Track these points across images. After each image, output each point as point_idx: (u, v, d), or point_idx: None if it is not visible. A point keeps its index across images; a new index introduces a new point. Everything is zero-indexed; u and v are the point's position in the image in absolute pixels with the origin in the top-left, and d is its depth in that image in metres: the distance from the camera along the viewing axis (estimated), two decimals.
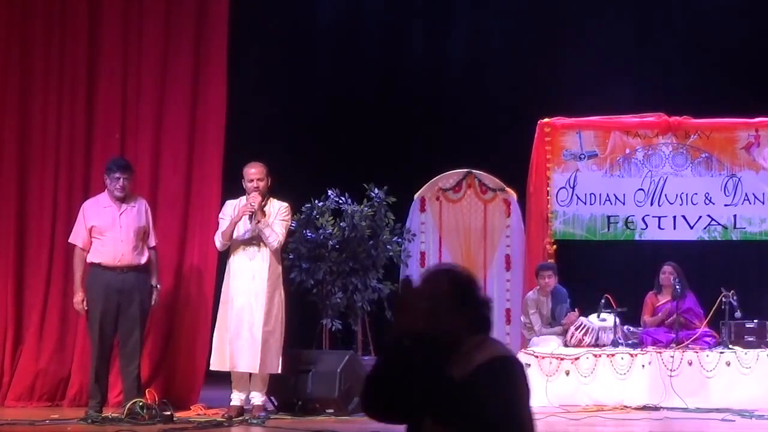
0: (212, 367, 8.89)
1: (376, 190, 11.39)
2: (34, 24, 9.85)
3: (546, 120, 11.94)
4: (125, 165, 8.83)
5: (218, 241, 8.92)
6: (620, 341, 10.30)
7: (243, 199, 8.92)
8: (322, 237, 11.13)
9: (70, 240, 8.90)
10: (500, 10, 13.44)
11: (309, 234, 11.14)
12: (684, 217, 11.93)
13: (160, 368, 9.51)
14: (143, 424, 8.21)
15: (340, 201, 11.33)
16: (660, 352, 10.05)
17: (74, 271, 8.82)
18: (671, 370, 9.90)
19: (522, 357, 10.28)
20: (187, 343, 9.54)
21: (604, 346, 10.31)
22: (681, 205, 11.93)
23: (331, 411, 8.97)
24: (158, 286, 8.88)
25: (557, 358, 10.14)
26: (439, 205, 12.83)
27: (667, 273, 10.78)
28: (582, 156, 11.98)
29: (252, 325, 8.74)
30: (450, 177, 12.86)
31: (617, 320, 10.34)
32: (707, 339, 10.40)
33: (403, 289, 3.44)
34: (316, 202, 11.30)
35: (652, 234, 11.97)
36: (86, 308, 8.71)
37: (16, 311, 9.63)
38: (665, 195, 11.93)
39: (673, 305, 10.56)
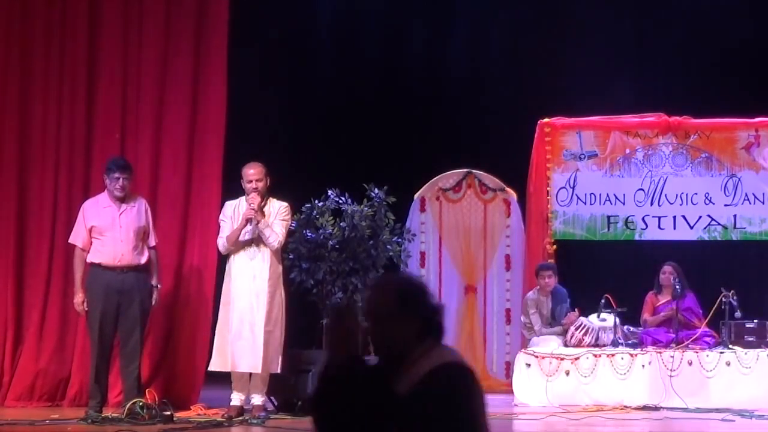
0: (214, 368, 8.88)
1: (376, 190, 11.38)
2: (34, 24, 9.85)
3: (546, 120, 11.94)
4: (125, 165, 8.82)
5: (222, 246, 8.91)
6: (620, 341, 10.30)
7: (242, 199, 8.91)
8: (322, 237, 11.13)
9: (70, 240, 8.90)
10: (500, 11, 13.44)
11: (309, 234, 11.13)
12: (684, 217, 11.94)
13: (160, 368, 9.51)
14: (143, 424, 8.21)
15: (340, 201, 11.32)
16: (660, 352, 10.05)
17: (74, 272, 8.82)
18: (671, 370, 9.91)
19: (522, 357, 10.29)
20: (187, 343, 9.54)
21: (604, 346, 10.32)
22: (681, 205, 11.94)
23: None
24: (158, 286, 8.88)
25: (557, 358, 10.14)
26: (439, 205, 12.83)
27: (667, 273, 10.78)
28: (582, 156, 11.99)
29: (253, 326, 8.74)
30: (450, 177, 12.86)
31: (617, 320, 10.35)
32: (707, 339, 10.40)
33: (337, 317, 3.42)
34: (316, 202, 11.29)
35: (652, 234, 11.97)
36: (86, 309, 8.70)
37: (16, 311, 9.63)
38: (665, 195, 11.94)
39: (673, 305, 10.55)
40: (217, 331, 8.89)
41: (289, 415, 8.88)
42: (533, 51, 12.98)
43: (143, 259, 8.76)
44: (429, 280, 12.76)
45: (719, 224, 11.90)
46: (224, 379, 9.06)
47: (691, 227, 11.94)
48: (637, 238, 12.04)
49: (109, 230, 8.69)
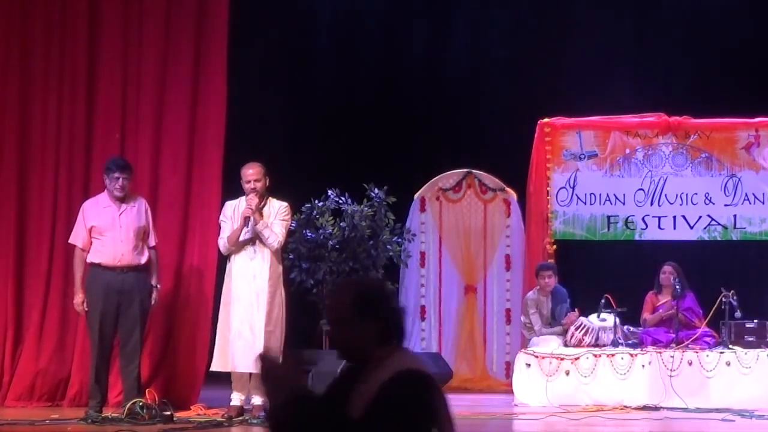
0: (215, 369, 8.88)
1: (376, 190, 11.39)
2: (34, 24, 9.85)
3: (546, 120, 11.94)
4: (124, 165, 8.82)
5: (223, 246, 8.91)
6: (620, 341, 10.30)
7: (242, 199, 8.91)
8: (322, 237, 11.13)
9: (70, 240, 8.89)
10: (500, 11, 13.44)
11: (309, 234, 11.14)
12: (684, 217, 11.94)
13: (160, 368, 9.51)
14: (143, 424, 8.20)
15: (340, 201, 11.33)
16: (660, 352, 10.05)
17: (74, 272, 8.81)
18: (671, 370, 9.90)
19: (522, 357, 10.29)
20: (187, 343, 9.53)
21: (604, 346, 10.31)
22: (681, 205, 11.94)
23: None
24: (158, 285, 8.87)
25: (557, 358, 10.14)
26: (439, 205, 12.83)
27: (667, 273, 10.78)
28: (582, 156, 11.99)
29: (253, 326, 8.73)
30: (450, 177, 12.87)
31: (617, 320, 10.34)
32: (707, 339, 10.40)
33: (264, 366, 3.41)
34: (316, 202, 11.30)
35: (652, 234, 11.98)
36: (86, 309, 8.70)
37: (16, 311, 9.62)
38: (665, 195, 11.94)
39: (673, 305, 10.55)
40: (218, 332, 8.88)
41: None
42: (533, 51, 12.98)
43: (143, 259, 8.76)
44: (429, 280, 12.77)
45: (719, 224, 11.90)
46: (224, 379, 9.05)
47: (691, 227, 11.94)
48: (637, 238, 12.04)
49: (109, 230, 8.69)
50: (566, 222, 12.00)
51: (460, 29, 13.61)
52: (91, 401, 8.64)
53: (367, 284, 3.56)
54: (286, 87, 12.96)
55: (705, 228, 11.92)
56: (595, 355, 10.14)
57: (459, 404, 10.56)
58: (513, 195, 12.67)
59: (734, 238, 11.95)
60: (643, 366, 10.00)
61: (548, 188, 11.95)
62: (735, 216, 11.89)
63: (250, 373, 8.80)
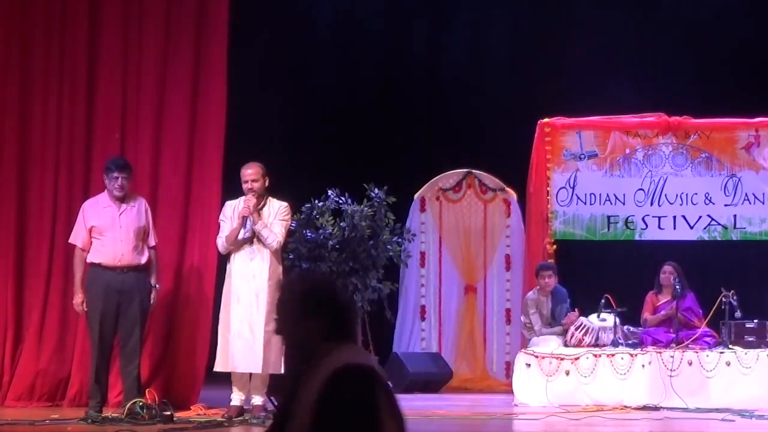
0: (217, 369, 8.87)
1: (376, 190, 11.40)
2: (34, 24, 9.84)
3: (546, 120, 11.94)
4: (123, 164, 8.81)
5: (221, 245, 8.90)
6: (620, 341, 10.30)
7: (242, 199, 8.91)
8: (322, 237, 11.14)
9: (70, 240, 8.89)
10: (500, 11, 13.45)
11: (309, 234, 11.15)
12: (684, 217, 11.94)
13: (160, 368, 9.50)
14: (143, 424, 8.20)
15: (340, 201, 11.34)
16: (660, 352, 10.05)
17: (74, 272, 8.81)
18: (671, 370, 9.90)
19: (522, 357, 10.29)
20: (187, 343, 9.53)
21: (604, 346, 10.31)
22: (681, 205, 11.94)
23: None
24: (157, 285, 8.87)
25: (557, 358, 10.14)
26: (439, 205, 12.84)
27: (668, 273, 10.78)
28: (582, 156, 11.99)
29: (253, 326, 8.73)
30: (450, 177, 12.87)
31: (617, 320, 10.34)
32: (707, 339, 10.40)
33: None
34: (316, 202, 11.31)
35: (652, 234, 11.98)
36: (85, 309, 8.70)
37: (16, 311, 9.62)
38: (665, 195, 11.94)
39: (673, 305, 10.55)
40: (219, 332, 8.88)
41: None
42: (533, 51, 12.99)
43: (143, 259, 8.76)
44: (429, 280, 12.78)
45: (719, 224, 11.90)
46: (224, 379, 9.05)
47: (691, 227, 11.94)
48: (637, 238, 12.04)
49: (109, 230, 8.68)
50: (566, 222, 12.00)
51: (460, 29, 13.62)
52: (91, 401, 8.63)
53: (314, 280, 3.55)
54: (286, 87, 12.97)
55: (705, 228, 11.92)
56: (595, 355, 10.14)
57: (459, 404, 10.58)
58: (513, 195, 12.68)
59: (734, 238, 11.95)
60: (643, 366, 10.00)
61: (548, 188, 11.95)
62: (735, 216, 11.89)
63: (250, 373, 8.80)
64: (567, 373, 10.12)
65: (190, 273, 9.62)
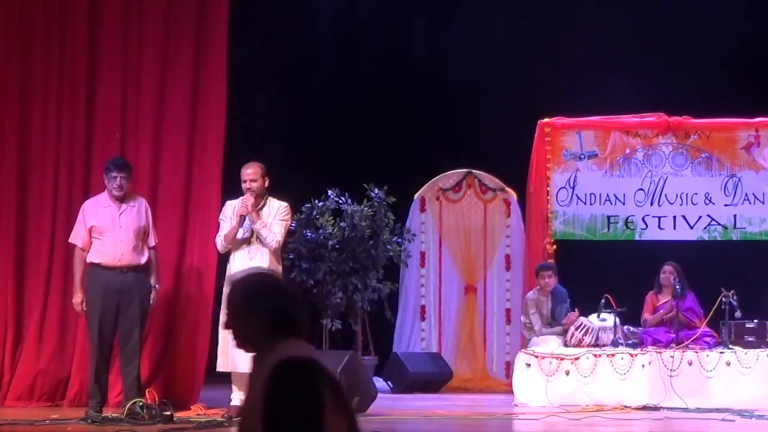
0: (219, 369, 8.87)
1: (376, 190, 11.40)
2: (34, 24, 9.85)
3: (546, 120, 11.94)
4: (123, 164, 8.82)
5: (220, 244, 8.91)
6: (620, 341, 10.30)
7: (242, 199, 8.91)
8: (322, 237, 11.14)
9: (69, 240, 8.89)
10: (500, 11, 13.45)
11: (309, 234, 11.15)
12: (684, 217, 11.94)
13: (160, 368, 9.50)
14: (143, 424, 8.20)
15: (340, 201, 11.34)
16: (660, 352, 10.05)
17: (74, 272, 8.81)
18: (671, 370, 9.90)
19: (522, 357, 10.29)
20: (187, 343, 9.53)
21: (604, 346, 10.31)
22: (681, 205, 11.94)
23: None
24: (157, 285, 8.86)
25: (557, 358, 10.14)
26: (439, 205, 12.84)
27: (668, 273, 10.78)
28: (582, 156, 11.99)
29: None
30: (450, 177, 12.87)
31: (617, 320, 10.34)
32: (707, 339, 10.40)
33: None
34: (316, 202, 11.31)
35: (652, 234, 11.98)
36: (85, 309, 8.70)
37: (16, 311, 9.62)
38: (665, 195, 11.94)
39: (673, 305, 10.55)
40: (220, 332, 8.88)
41: None
42: (533, 51, 12.99)
43: (143, 259, 8.75)
44: (429, 280, 12.78)
45: (719, 224, 11.90)
46: (224, 379, 9.05)
47: (691, 227, 11.94)
48: (637, 238, 12.04)
49: (108, 230, 8.68)
50: (566, 222, 12.00)
51: (460, 29, 13.62)
52: (91, 401, 8.63)
53: (259, 277, 3.58)
54: (286, 87, 12.97)
55: (705, 228, 11.92)
56: (595, 355, 10.14)
57: (459, 404, 10.58)
58: (513, 195, 12.67)
59: (734, 238, 11.95)
60: (643, 366, 10.00)
61: (548, 188, 11.95)
62: (735, 216, 11.89)
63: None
64: (567, 373, 10.12)
65: (190, 273, 9.62)
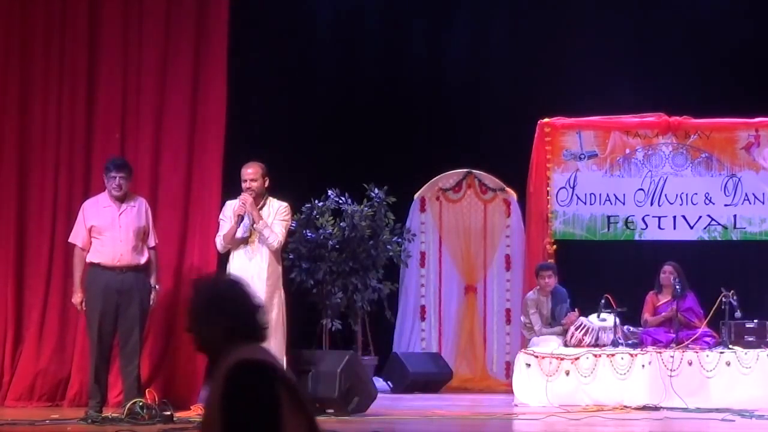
0: None
1: (376, 190, 11.40)
2: (34, 24, 9.84)
3: (546, 120, 11.94)
4: (122, 164, 8.82)
5: (219, 244, 8.91)
6: (620, 341, 10.30)
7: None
8: (322, 237, 11.14)
9: (69, 239, 8.89)
10: (500, 11, 13.45)
11: (309, 234, 11.15)
12: (684, 217, 11.94)
13: (160, 368, 9.50)
14: (143, 424, 8.20)
15: (340, 201, 11.34)
16: (660, 352, 10.05)
17: (74, 271, 8.81)
18: (671, 370, 9.90)
19: (522, 357, 10.29)
20: (187, 343, 9.46)
21: (604, 346, 10.31)
22: (681, 205, 11.94)
23: (331, 411, 8.97)
24: (157, 286, 8.86)
25: (557, 358, 10.14)
26: (439, 205, 12.84)
27: (668, 273, 10.78)
28: (582, 156, 11.99)
29: None
30: (450, 177, 12.87)
31: (617, 320, 10.34)
32: (707, 339, 10.39)
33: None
34: (316, 202, 11.31)
35: (652, 234, 11.98)
36: (84, 308, 8.70)
37: (16, 311, 9.62)
38: (665, 195, 11.94)
39: (673, 305, 10.55)
40: None
41: None
42: (533, 51, 12.99)
43: (143, 259, 8.75)
44: (429, 280, 12.78)
45: (719, 224, 11.90)
46: None
47: (691, 227, 11.94)
48: (637, 238, 12.04)
49: (108, 230, 8.68)
50: (566, 222, 12.00)
51: (460, 29, 13.62)
52: (91, 401, 8.63)
53: (217, 283, 3.62)
54: (287, 87, 12.97)
55: (705, 228, 11.92)
56: (595, 355, 10.14)
57: (459, 404, 10.59)
58: (513, 195, 12.67)
59: (734, 238, 11.95)
60: (643, 366, 10.00)
61: (548, 188, 11.95)
62: (735, 216, 11.89)
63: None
64: (567, 373, 10.12)
65: (190, 273, 9.61)
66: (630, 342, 10.45)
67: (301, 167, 11.93)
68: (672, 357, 9.95)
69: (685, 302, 10.65)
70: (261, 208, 8.83)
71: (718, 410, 9.41)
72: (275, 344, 8.75)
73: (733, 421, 8.92)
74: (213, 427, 3.32)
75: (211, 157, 9.70)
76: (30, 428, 8.02)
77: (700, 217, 11.92)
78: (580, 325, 10.42)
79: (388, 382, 11.90)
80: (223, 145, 9.70)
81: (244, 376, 3.30)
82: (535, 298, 10.89)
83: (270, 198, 8.90)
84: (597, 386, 10.05)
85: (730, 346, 10.15)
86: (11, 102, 9.79)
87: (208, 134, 9.73)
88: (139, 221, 8.76)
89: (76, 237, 8.78)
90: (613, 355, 10.12)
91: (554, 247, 11.83)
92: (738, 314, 10.22)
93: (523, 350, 10.49)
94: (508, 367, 12.09)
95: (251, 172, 8.79)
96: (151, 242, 8.86)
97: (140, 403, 8.41)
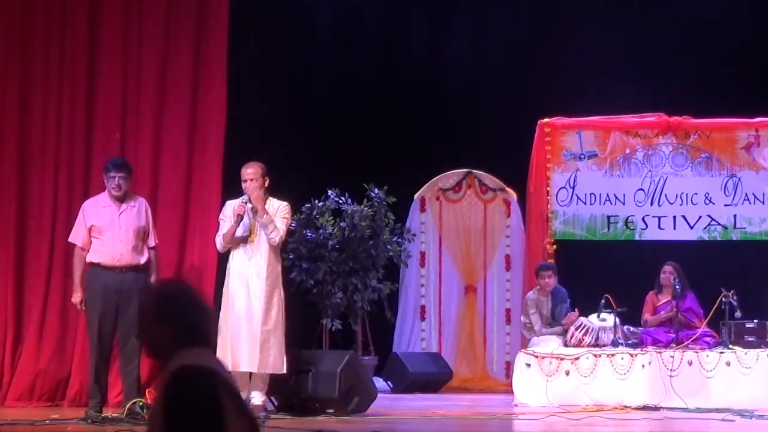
0: None
1: (376, 190, 11.40)
2: (34, 24, 9.85)
3: (546, 120, 11.94)
4: (121, 164, 8.82)
5: (219, 243, 8.91)
6: (620, 341, 10.30)
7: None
8: (322, 237, 11.14)
9: (69, 239, 8.89)
10: (500, 11, 13.44)
11: (309, 234, 11.14)
12: (684, 217, 11.94)
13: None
14: (143, 424, 8.19)
15: (340, 201, 11.34)
16: (660, 352, 10.04)
17: (74, 271, 8.81)
18: (671, 370, 9.90)
19: (522, 357, 10.29)
20: None
21: (604, 346, 10.31)
22: (681, 205, 11.94)
23: (331, 411, 8.97)
24: None
25: (557, 358, 10.14)
26: (439, 205, 12.84)
27: (668, 273, 10.78)
28: (582, 156, 11.99)
29: (251, 325, 8.73)
30: (450, 177, 12.87)
31: (617, 320, 10.34)
32: (707, 339, 10.39)
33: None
34: (316, 202, 11.31)
35: (652, 234, 11.98)
36: (84, 308, 8.70)
37: (16, 311, 9.62)
38: (665, 195, 11.94)
39: (673, 305, 10.55)
40: (219, 331, 8.88)
41: (289, 415, 8.88)
42: (533, 51, 12.99)
43: (143, 259, 8.75)
44: (429, 280, 12.78)
45: (719, 224, 11.90)
46: None
47: (691, 227, 11.94)
48: (637, 238, 12.04)
49: (108, 230, 8.68)
50: (566, 222, 12.00)
51: (460, 29, 13.62)
52: (91, 401, 8.63)
53: (166, 288, 3.63)
54: (287, 87, 12.96)
55: (705, 228, 11.92)
56: (595, 355, 10.14)
57: (459, 404, 10.59)
58: (513, 195, 12.67)
59: (734, 238, 11.95)
60: (643, 366, 10.00)
61: (548, 188, 11.95)
62: (735, 216, 11.89)
63: (250, 373, 8.81)
64: (567, 373, 10.12)
65: (190, 273, 9.61)
66: (630, 342, 10.45)
67: (301, 167, 11.92)
68: (672, 357, 9.95)
69: (685, 302, 10.65)
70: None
71: (718, 410, 9.41)
72: (275, 343, 8.76)
73: (733, 421, 8.91)
74: (156, 429, 3.31)
75: (211, 157, 9.70)
76: (30, 428, 8.02)
77: (700, 217, 11.92)
78: (580, 325, 10.42)
79: (388, 382, 11.90)
80: (223, 145, 9.71)
81: (184, 383, 3.30)
82: (535, 298, 10.89)
83: (270, 198, 8.91)
84: (597, 386, 10.05)
85: (730, 346, 10.15)
86: (11, 102, 9.79)
87: (208, 134, 9.74)
88: (139, 221, 8.76)
89: (76, 237, 8.78)
90: (613, 355, 10.12)
91: (554, 247, 11.84)
92: (738, 314, 10.22)
93: (523, 350, 10.49)
94: (508, 367, 12.09)
95: (251, 172, 8.79)
96: (151, 242, 8.86)
97: (140, 403, 8.41)
